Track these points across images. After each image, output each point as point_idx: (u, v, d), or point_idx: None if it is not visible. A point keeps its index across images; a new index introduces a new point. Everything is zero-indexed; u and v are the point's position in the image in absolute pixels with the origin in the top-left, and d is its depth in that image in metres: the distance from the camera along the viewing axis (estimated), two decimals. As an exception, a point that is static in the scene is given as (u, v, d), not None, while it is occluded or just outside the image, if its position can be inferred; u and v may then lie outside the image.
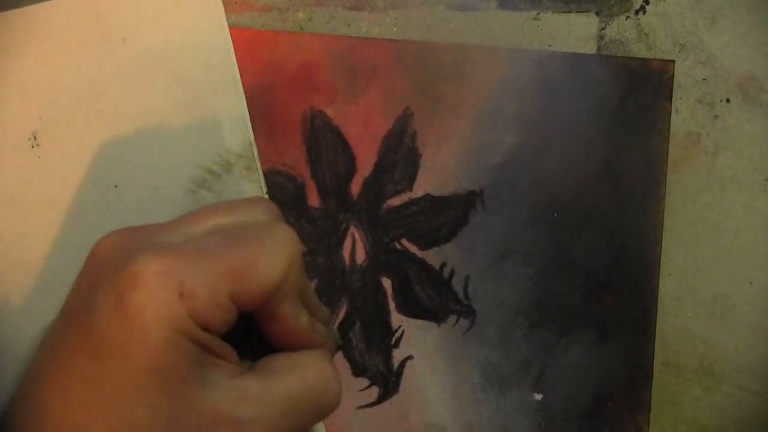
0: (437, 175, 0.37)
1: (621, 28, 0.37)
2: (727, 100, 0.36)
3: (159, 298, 0.25)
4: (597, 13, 0.37)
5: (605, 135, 0.37)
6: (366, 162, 0.37)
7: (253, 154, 0.36)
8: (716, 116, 0.36)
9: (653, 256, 0.36)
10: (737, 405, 0.36)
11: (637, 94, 0.37)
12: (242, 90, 0.37)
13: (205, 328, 0.27)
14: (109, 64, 0.37)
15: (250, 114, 0.37)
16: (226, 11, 0.37)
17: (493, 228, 0.37)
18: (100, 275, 0.27)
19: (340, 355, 0.37)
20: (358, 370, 0.37)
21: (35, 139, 0.36)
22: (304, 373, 0.30)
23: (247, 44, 0.37)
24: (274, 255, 0.28)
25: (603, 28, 0.37)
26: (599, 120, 0.37)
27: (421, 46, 0.37)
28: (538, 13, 0.37)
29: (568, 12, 0.37)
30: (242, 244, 0.27)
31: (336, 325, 0.37)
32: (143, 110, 0.36)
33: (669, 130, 0.36)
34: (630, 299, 0.36)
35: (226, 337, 0.28)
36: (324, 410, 0.31)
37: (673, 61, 0.37)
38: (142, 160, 0.36)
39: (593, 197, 0.37)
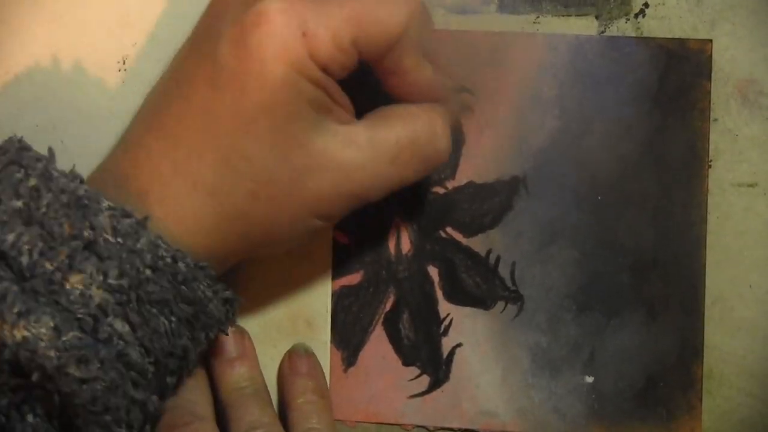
0: (480, 162, 0.37)
1: (620, 31, 0.37)
2: (727, 104, 0.37)
3: (281, 34, 0.26)
4: (596, 17, 0.37)
5: (646, 116, 0.37)
6: (408, 151, 0.37)
7: None
8: (715, 119, 0.37)
9: (699, 234, 0.36)
10: (736, 408, 0.36)
11: (676, 74, 0.37)
12: None
13: (325, 70, 0.27)
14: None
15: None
16: None
17: (537, 212, 0.37)
18: (230, 6, 0.28)
19: (389, 346, 0.37)
20: (407, 360, 0.37)
21: (124, 63, 0.37)
22: (413, 123, 0.30)
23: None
24: (396, 4, 0.28)
25: (603, 31, 0.37)
26: (639, 101, 0.37)
27: (457, 35, 0.37)
28: (538, 17, 0.37)
29: (568, 15, 0.37)
30: None
31: (383, 315, 0.37)
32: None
33: (710, 109, 0.37)
34: (677, 278, 0.36)
35: (347, 91, 0.29)
36: (430, 162, 0.31)
37: (711, 41, 0.37)
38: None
39: (636, 178, 0.37)
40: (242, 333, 0.36)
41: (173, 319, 0.28)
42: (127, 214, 0.27)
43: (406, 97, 0.31)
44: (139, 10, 0.37)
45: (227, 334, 0.32)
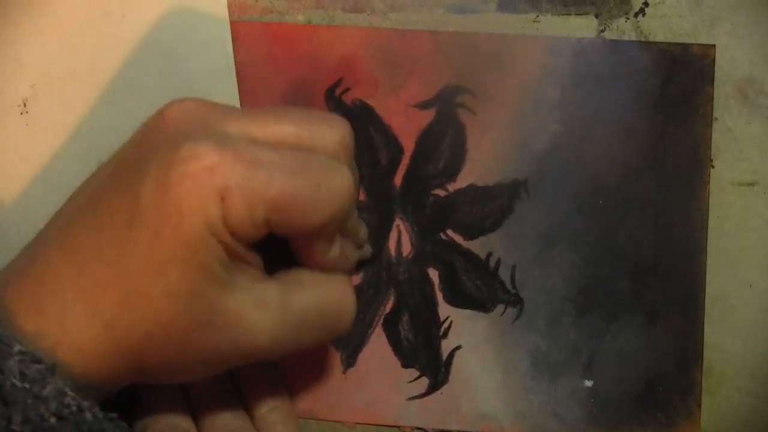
0: (481, 164, 0.37)
1: (620, 30, 0.37)
2: (727, 103, 0.37)
3: (201, 194, 0.26)
4: (596, 16, 0.37)
5: (648, 121, 0.37)
6: (409, 154, 0.37)
7: None
8: (715, 118, 0.37)
9: (699, 240, 0.36)
10: (737, 407, 0.36)
11: (678, 79, 0.37)
12: (235, 76, 0.37)
13: (234, 235, 0.27)
14: (105, 39, 0.37)
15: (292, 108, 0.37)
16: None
17: (538, 216, 0.37)
18: (160, 142, 0.27)
19: (388, 348, 0.37)
20: (407, 362, 0.37)
21: (25, 106, 0.37)
22: (323, 292, 0.30)
23: (287, 38, 0.37)
24: (324, 202, 0.27)
25: (602, 31, 0.37)
26: (641, 106, 0.37)
27: (460, 36, 0.37)
28: (538, 16, 0.37)
29: (568, 14, 0.37)
30: (297, 178, 0.27)
31: (383, 316, 0.37)
32: (135, 88, 0.36)
33: (712, 115, 0.37)
34: (677, 283, 0.36)
35: (255, 245, 0.28)
36: (332, 334, 0.31)
37: (714, 46, 0.37)
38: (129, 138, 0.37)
39: (638, 183, 0.37)
40: None
41: None
42: (36, 360, 0.27)
43: (311, 266, 0.30)
44: (30, 51, 0.37)
45: None
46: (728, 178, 0.37)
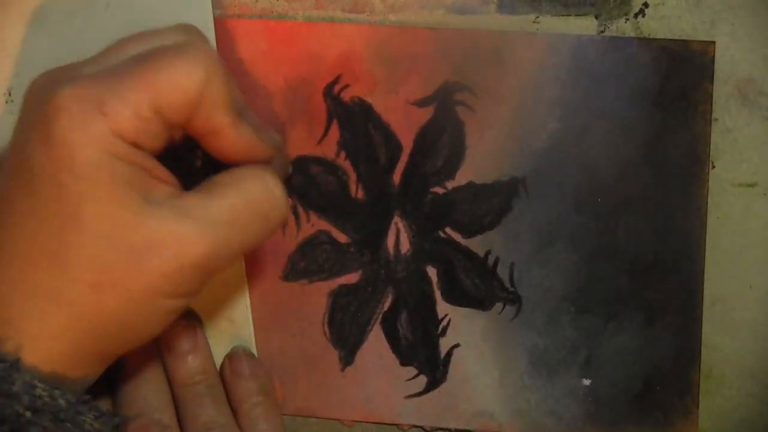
0: (480, 162, 0.37)
1: (620, 31, 0.37)
2: (727, 104, 0.36)
3: (80, 120, 0.26)
4: (596, 16, 0.37)
5: (647, 118, 0.36)
6: (408, 151, 0.37)
7: None
8: (715, 119, 0.36)
9: (698, 238, 0.36)
10: (736, 408, 0.37)
11: (677, 76, 0.36)
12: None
13: (135, 145, 0.27)
14: (90, 28, 0.37)
15: (291, 105, 0.37)
16: (225, 14, 0.37)
17: (537, 214, 0.37)
18: (30, 113, 0.28)
19: (386, 346, 0.37)
20: (405, 360, 0.37)
21: (9, 95, 0.37)
22: (246, 186, 0.30)
23: (286, 36, 0.37)
24: (190, 64, 0.27)
25: (602, 32, 0.37)
26: (640, 103, 0.36)
27: (459, 33, 0.37)
28: (537, 17, 0.37)
29: (567, 15, 0.37)
30: (157, 59, 0.27)
31: (381, 314, 0.37)
32: None
33: (711, 112, 0.36)
34: (676, 282, 0.36)
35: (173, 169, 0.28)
36: (270, 221, 0.30)
37: (714, 42, 0.36)
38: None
39: (636, 181, 0.37)
40: (193, 325, 0.36)
41: None
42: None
43: (230, 157, 0.30)
44: (14, 40, 0.37)
45: None
46: (728, 179, 0.37)
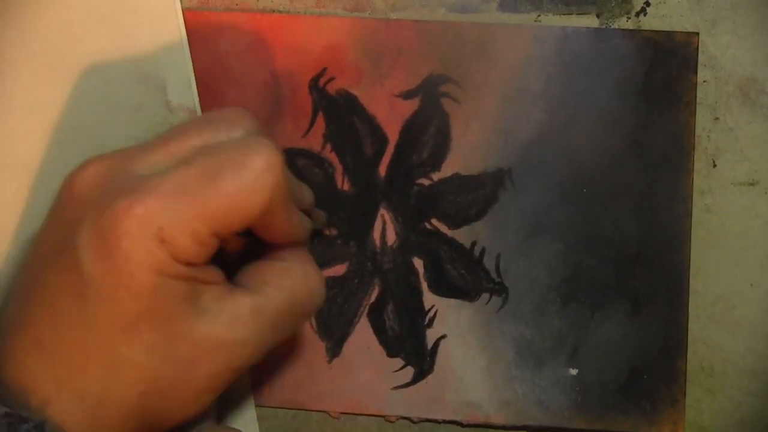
0: (465, 154, 0.37)
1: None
2: (728, 102, 0.37)
3: (141, 245, 0.26)
4: (597, 15, 0.37)
5: (632, 109, 0.37)
6: (393, 143, 0.37)
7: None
8: (717, 118, 0.37)
9: (683, 228, 0.36)
10: (738, 407, 0.37)
11: (662, 67, 0.37)
12: (188, 52, 0.37)
13: (190, 264, 0.27)
14: (56, 15, 0.37)
15: (277, 98, 0.37)
16: (226, 12, 0.37)
17: (522, 205, 0.37)
18: (81, 213, 0.27)
19: (373, 337, 0.37)
20: (392, 351, 0.37)
21: None
22: (291, 284, 0.30)
23: (271, 28, 0.37)
24: (254, 189, 0.27)
25: None
26: (625, 94, 0.37)
27: (444, 25, 0.37)
28: (539, 15, 0.37)
29: (569, 14, 0.37)
30: (218, 180, 0.27)
31: (368, 306, 0.37)
32: (88, 66, 0.37)
33: (695, 102, 0.37)
34: (662, 271, 0.36)
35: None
36: (310, 314, 0.31)
37: (698, 33, 0.37)
38: (84, 116, 0.37)
39: (622, 171, 0.37)
40: None
41: None
42: (24, 419, 0.26)
43: (274, 242, 0.30)
44: None
45: None
46: (729, 178, 0.37)
